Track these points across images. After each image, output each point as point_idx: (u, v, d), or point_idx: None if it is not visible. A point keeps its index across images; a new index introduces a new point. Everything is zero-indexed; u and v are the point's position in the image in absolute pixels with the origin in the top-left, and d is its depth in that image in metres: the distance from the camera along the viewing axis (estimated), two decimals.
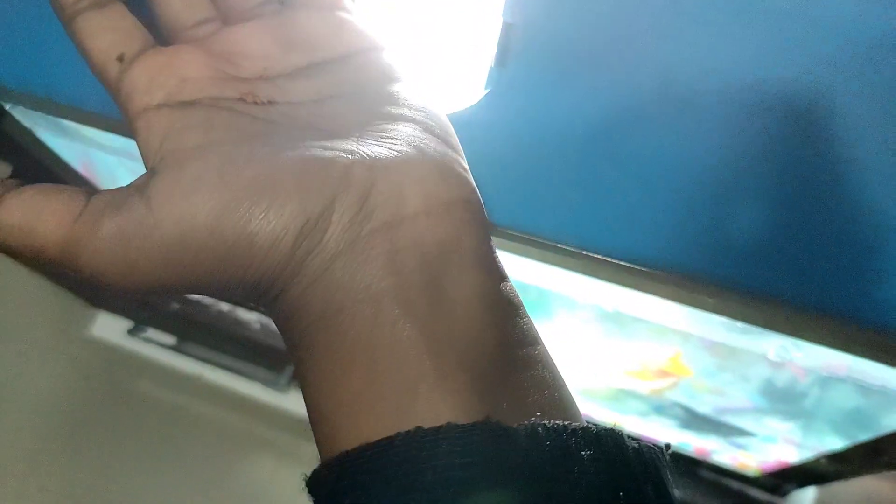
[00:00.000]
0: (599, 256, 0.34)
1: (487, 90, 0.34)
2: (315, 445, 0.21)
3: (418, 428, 0.18)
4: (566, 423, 0.18)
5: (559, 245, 0.34)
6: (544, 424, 0.18)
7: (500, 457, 0.17)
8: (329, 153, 0.22)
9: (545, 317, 0.52)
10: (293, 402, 1.06)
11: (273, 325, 0.85)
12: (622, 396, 0.66)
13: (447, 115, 0.28)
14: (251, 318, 0.83)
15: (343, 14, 0.28)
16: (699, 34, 0.33)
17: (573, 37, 0.34)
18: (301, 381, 0.22)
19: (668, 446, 0.20)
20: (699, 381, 0.55)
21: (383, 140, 0.23)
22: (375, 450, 0.18)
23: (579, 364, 0.62)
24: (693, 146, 0.33)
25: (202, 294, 0.23)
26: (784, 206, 0.33)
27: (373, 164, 0.22)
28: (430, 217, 0.22)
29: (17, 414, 1.11)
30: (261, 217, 0.21)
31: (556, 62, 0.34)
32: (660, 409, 0.65)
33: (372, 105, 0.25)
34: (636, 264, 0.34)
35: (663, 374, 0.56)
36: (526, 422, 0.18)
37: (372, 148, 0.23)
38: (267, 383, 0.90)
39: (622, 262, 0.34)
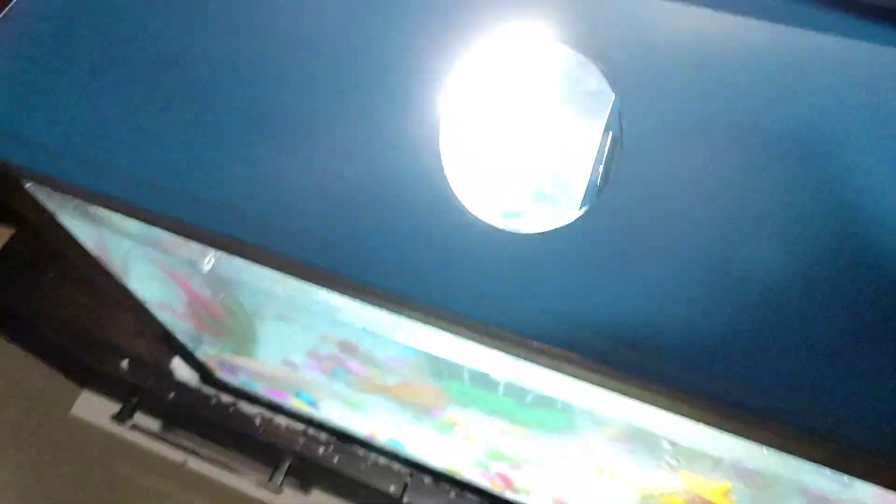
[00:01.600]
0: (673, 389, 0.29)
1: (585, 208, 0.30)
2: None
3: None
4: None
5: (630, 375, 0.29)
6: None
7: None
8: None
9: (569, 431, 0.47)
10: (285, 502, 0.98)
11: (276, 421, 0.78)
12: None
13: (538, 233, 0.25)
14: (253, 411, 0.77)
15: None
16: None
17: (686, 156, 0.30)
18: None
19: None
20: None
21: None
22: None
23: (604, 479, 0.56)
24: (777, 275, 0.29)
25: None
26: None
27: None
28: None
29: None
30: None
31: (666, 183, 0.30)
32: None
33: None
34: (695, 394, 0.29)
35: (704, 502, 0.50)
36: None
37: None
38: (259, 483, 0.83)
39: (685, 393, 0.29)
